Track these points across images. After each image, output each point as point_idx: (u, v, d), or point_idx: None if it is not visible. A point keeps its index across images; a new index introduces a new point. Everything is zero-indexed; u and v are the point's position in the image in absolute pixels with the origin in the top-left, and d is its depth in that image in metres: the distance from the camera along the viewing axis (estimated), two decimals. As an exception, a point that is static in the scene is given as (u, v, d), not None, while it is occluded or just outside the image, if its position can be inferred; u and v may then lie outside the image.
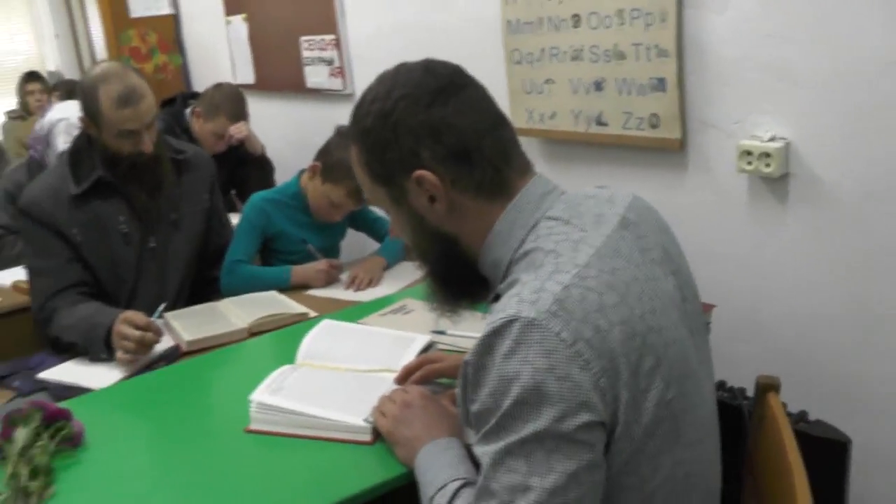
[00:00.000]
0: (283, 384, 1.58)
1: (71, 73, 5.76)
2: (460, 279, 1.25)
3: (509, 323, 1.01)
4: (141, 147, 2.23)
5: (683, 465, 1.12)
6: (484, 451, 1.04)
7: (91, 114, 2.23)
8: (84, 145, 2.31)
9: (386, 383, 1.57)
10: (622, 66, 2.25)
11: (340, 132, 2.52)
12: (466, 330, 1.75)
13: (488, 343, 1.03)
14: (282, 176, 3.48)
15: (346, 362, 1.69)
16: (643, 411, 1.04)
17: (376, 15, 3.20)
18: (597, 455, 1.02)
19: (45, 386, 1.95)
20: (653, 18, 2.15)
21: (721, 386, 2.13)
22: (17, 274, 2.99)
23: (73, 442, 1.53)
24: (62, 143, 3.08)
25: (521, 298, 1.03)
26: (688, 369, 1.12)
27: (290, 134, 3.84)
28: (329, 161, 2.47)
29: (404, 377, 1.58)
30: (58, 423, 1.53)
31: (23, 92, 5.08)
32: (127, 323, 1.98)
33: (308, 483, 1.36)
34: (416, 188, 1.16)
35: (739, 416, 2.02)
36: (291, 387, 1.57)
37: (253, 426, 1.52)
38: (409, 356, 1.68)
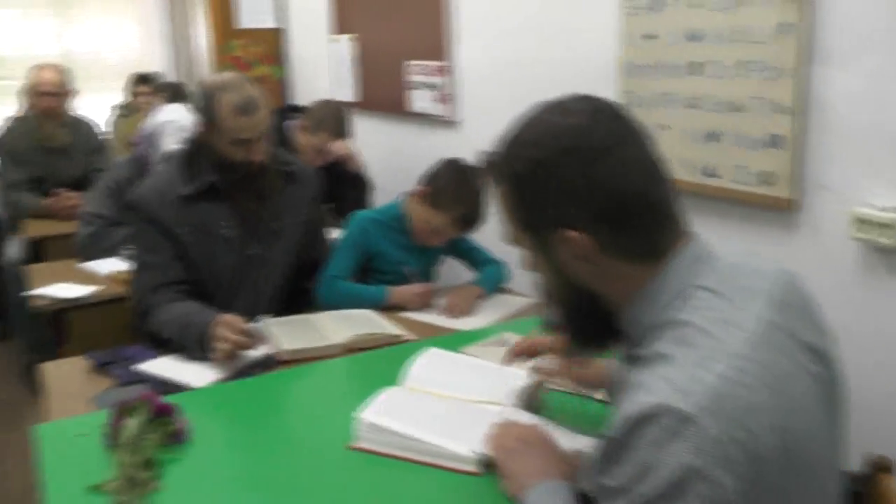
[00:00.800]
0: (391, 406, 1.58)
1: (172, 76, 5.93)
2: (594, 330, 1.21)
3: (661, 411, 0.96)
4: (252, 156, 2.28)
5: None
6: None
7: (208, 119, 2.28)
8: (196, 149, 2.36)
9: (491, 415, 1.56)
10: (738, 118, 2.22)
11: (449, 161, 2.54)
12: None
13: (635, 426, 0.98)
14: (377, 196, 3.53)
15: (452, 390, 1.69)
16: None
17: (490, 45, 3.22)
18: None
19: (144, 378, 1.99)
20: (774, 73, 2.12)
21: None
22: (115, 265, 3.09)
23: (178, 438, 1.56)
24: (168, 143, 3.17)
25: (674, 386, 0.98)
26: (827, 469, 1.09)
27: (388, 154, 3.89)
28: (436, 187, 2.49)
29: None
30: (164, 418, 1.56)
31: (133, 92, 5.24)
32: (225, 325, 2.01)
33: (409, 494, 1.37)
34: (562, 244, 1.10)
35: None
36: (399, 409, 1.58)
37: (359, 444, 1.52)
38: (515, 391, 1.68)
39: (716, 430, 0.94)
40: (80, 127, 4.42)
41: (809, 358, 1.10)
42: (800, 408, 1.03)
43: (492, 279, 2.62)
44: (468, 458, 1.43)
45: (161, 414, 1.56)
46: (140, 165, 3.29)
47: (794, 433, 1.01)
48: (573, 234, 1.08)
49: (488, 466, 1.42)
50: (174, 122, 3.20)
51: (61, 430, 1.68)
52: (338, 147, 3.37)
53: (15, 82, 5.31)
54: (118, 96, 5.47)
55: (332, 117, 3.41)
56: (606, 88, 2.60)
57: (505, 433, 1.44)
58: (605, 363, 1.59)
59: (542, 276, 1.20)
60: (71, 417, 1.76)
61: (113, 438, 1.53)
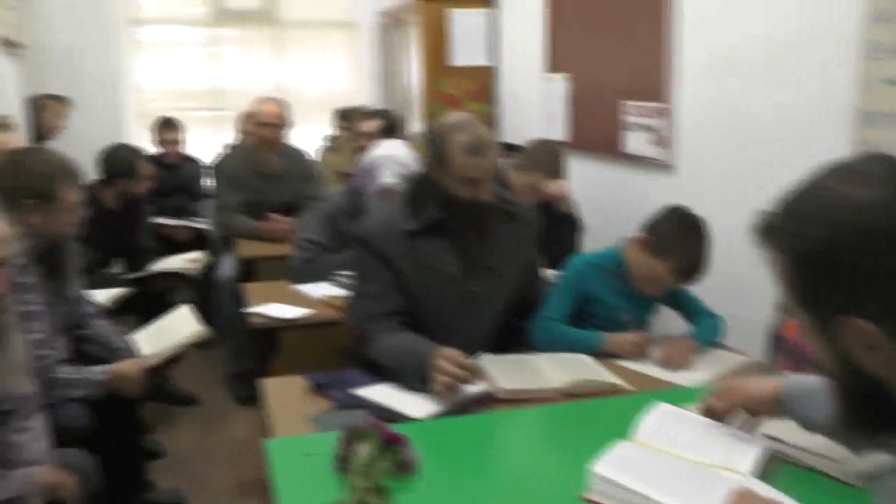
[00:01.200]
0: (625, 460, 1.52)
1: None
2: (878, 420, 1.06)
3: None
4: (479, 195, 2.30)
5: None
6: None
7: (438, 158, 2.31)
8: (423, 185, 2.40)
9: (726, 482, 1.47)
10: None
11: (673, 209, 2.46)
12: (806, 442, 1.63)
13: None
14: (587, 237, 3.47)
15: (684, 450, 1.60)
16: None
17: (714, 87, 3.11)
18: None
19: (362, 403, 2.01)
20: None
21: None
22: (328, 289, 3.19)
23: (407, 469, 1.55)
24: (386, 177, 3.25)
25: None
26: None
27: (598, 196, 3.83)
28: (658, 236, 2.40)
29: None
30: (394, 448, 1.56)
31: (338, 126, 5.47)
32: (446, 358, 2.01)
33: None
34: (846, 331, 0.97)
35: None
36: (633, 465, 1.51)
37: (592, 496, 1.46)
38: (749, 459, 1.59)
39: None
40: (293, 156, 4.64)
41: None
42: None
43: (708, 333, 2.50)
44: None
45: (391, 443, 1.56)
46: (356, 197, 3.40)
47: None
48: (861, 323, 0.94)
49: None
50: (393, 157, 3.28)
51: (290, 448, 1.73)
52: (552, 186, 3.34)
53: (232, 112, 5.72)
54: (327, 129, 5.72)
55: (548, 157, 3.39)
56: (838, 137, 2.45)
57: (744, 501, 1.35)
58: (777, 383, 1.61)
59: (821, 354, 1.06)
60: (298, 436, 1.81)
61: (343, 462, 1.54)
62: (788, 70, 2.71)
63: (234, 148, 5.24)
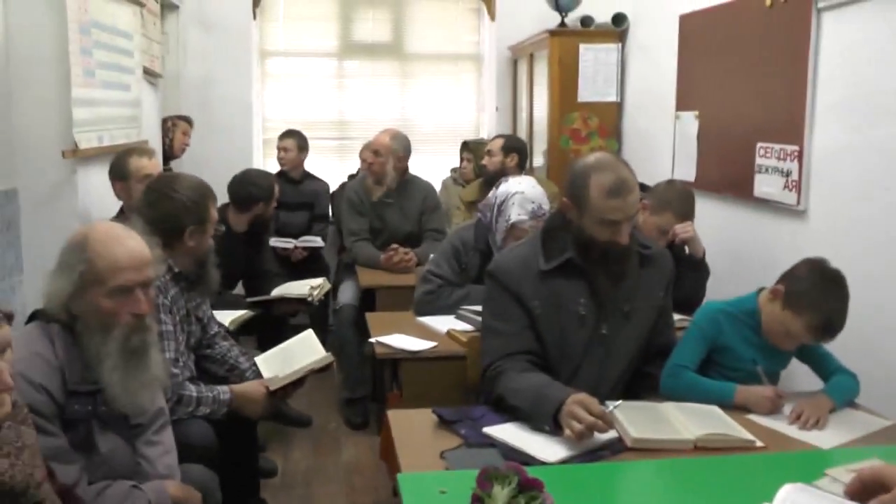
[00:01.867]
0: None
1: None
2: None
3: None
4: (618, 238, 2.28)
5: None
6: None
7: (577, 198, 2.31)
8: (559, 225, 2.40)
9: None
10: None
11: (812, 261, 2.39)
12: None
13: None
14: (713, 281, 3.40)
15: None
16: None
17: (850, 129, 3.02)
18: None
19: (492, 442, 2.02)
20: None
21: None
22: (452, 323, 3.21)
23: (543, 514, 1.55)
24: (515, 214, 3.25)
25: None
26: None
27: (726, 240, 3.76)
28: (794, 288, 2.34)
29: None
30: (532, 492, 1.56)
31: (464, 158, 5.54)
32: (581, 405, 1.99)
33: None
34: None
35: None
36: None
37: None
38: None
39: None
40: (415, 187, 4.70)
41: None
42: None
43: (843, 391, 2.40)
44: None
45: (528, 487, 1.56)
46: (483, 231, 3.43)
47: None
48: None
49: None
50: (522, 193, 3.29)
51: (422, 484, 1.75)
52: (682, 229, 3.30)
53: (357, 142, 5.87)
54: (452, 161, 5.80)
55: (678, 198, 3.35)
56: None
57: None
58: None
59: None
60: (430, 472, 1.83)
61: (480, 502, 1.55)
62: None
63: (355, 176, 5.38)
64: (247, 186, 4.35)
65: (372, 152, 4.57)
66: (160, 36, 5.19)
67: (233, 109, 5.88)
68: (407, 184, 4.68)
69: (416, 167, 4.90)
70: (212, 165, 5.04)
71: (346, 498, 3.59)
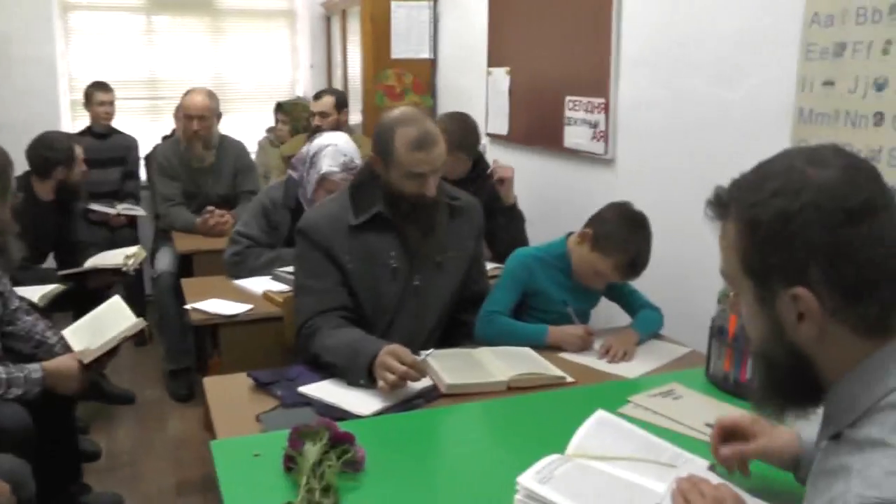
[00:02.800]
0: (553, 474, 1.49)
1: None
2: (797, 394, 1.15)
3: None
4: (424, 190, 2.29)
5: None
6: None
7: (383, 152, 2.30)
8: (367, 180, 2.39)
9: (657, 498, 1.44)
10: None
11: (617, 205, 2.49)
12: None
13: None
14: (529, 231, 3.50)
15: (619, 467, 1.57)
16: None
17: (652, 82, 3.16)
18: None
19: (308, 401, 1.99)
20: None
21: None
22: (268, 284, 3.15)
23: (356, 467, 1.55)
24: (326, 165, 3.22)
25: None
26: None
27: (539, 190, 3.86)
28: (601, 231, 2.43)
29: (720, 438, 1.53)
30: (344, 446, 1.55)
31: (278, 120, 5.44)
32: (393, 356, 2.00)
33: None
34: (788, 301, 1.05)
35: None
36: (561, 479, 1.48)
37: None
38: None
39: None
40: (228, 148, 4.56)
41: None
42: None
43: (649, 325, 2.55)
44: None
45: (340, 441, 1.55)
46: (293, 188, 3.37)
47: None
48: (804, 292, 1.03)
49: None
50: (335, 146, 3.26)
51: (235, 448, 1.71)
52: (504, 169, 3.38)
53: (168, 102, 5.63)
54: (268, 120, 5.66)
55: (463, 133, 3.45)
56: (776, 135, 2.51)
57: (693, 488, 1.34)
58: (791, 437, 1.50)
59: (755, 330, 1.15)
60: (244, 437, 1.78)
61: (292, 462, 1.53)
62: (730, 68, 2.75)
63: (168, 139, 5.16)
64: (42, 151, 4.07)
65: (197, 118, 4.37)
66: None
67: (33, 69, 5.48)
68: (219, 146, 4.53)
69: (231, 128, 4.74)
70: (13, 130, 4.63)
71: (173, 473, 3.48)
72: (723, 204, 1.14)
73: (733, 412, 1.83)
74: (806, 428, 1.36)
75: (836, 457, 1.03)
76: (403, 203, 2.32)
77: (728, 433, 1.55)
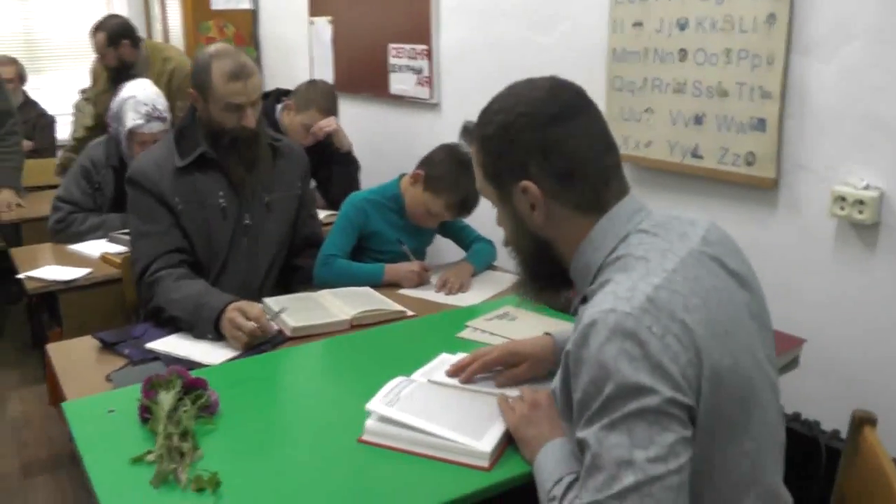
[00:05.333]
0: (399, 395, 1.59)
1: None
2: (547, 275, 1.41)
3: (604, 315, 1.13)
4: (244, 122, 2.37)
5: (748, 457, 1.21)
6: (589, 433, 1.13)
7: (201, 87, 2.37)
8: (189, 123, 2.45)
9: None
10: (724, 103, 2.33)
11: (446, 147, 2.62)
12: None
13: (585, 334, 1.14)
14: (363, 176, 3.59)
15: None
16: (720, 404, 1.15)
17: (472, 29, 3.29)
18: (689, 431, 1.12)
19: (157, 356, 2.03)
20: (759, 61, 2.23)
21: (796, 418, 2.21)
22: (104, 247, 3.11)
23: (210, 410, 1.62)
24: (130, 119, 3.18)
25: (616, 295, 1.15)
26: (759, 372, 1.24)
27: (368, 136, 3.94)
28: (432, 172, 2.56)
29: (458, 370, 1.71)
30: (197, 391, 1.62)
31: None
32: (240, 312, 2.06)
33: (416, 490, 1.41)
34: (520, 195, 1.31)
35: (815, 447, 2.09)
36: (407, 399, 1.58)
37: (367, 437, 1.53)
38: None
39: (653, 325, 1.12)
40: None
41: (737, 283, 1.28)
42: (730, 317, 1.21)
43: (482, 257, 2.71)
44: (482, 453, 1.44)
45: (193, 387, 1.62)
46: (113, 145, 3.31)
47: (724, 333, 1.17)
48: (528, 183, 1.29)
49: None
50: (134, 97, 3.20)
51: (88, 407, 1.72)
52: (326, 122, 3.42)
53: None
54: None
55: (321, 95, 3.46)
56: (592, 73, 2.70)
57: (517, 401, 1.53)
58: (546, 340, 1.73)
59: (506, 228, 1.40)
60: (96, 395, 1.80)
61: (147, 412, 1.58)
62: (546, 13, 2.92)
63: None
64: None
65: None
66: None
67: None
68: None
69: (44, 89, 4.48)
70: None
71: (18, 456, 3.38)
72: (469, 132, 1.42)
73: (567, 327, 2.01)
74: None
75: (582, 311, 1.23)
76: (224, 137, 2.38)
77: (494, 367, 1.74)
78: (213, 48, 2.43)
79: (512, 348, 1.74)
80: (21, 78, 4.99)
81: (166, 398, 1.56)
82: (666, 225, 1.29)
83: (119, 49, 4.37)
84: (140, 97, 3.20)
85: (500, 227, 1.42)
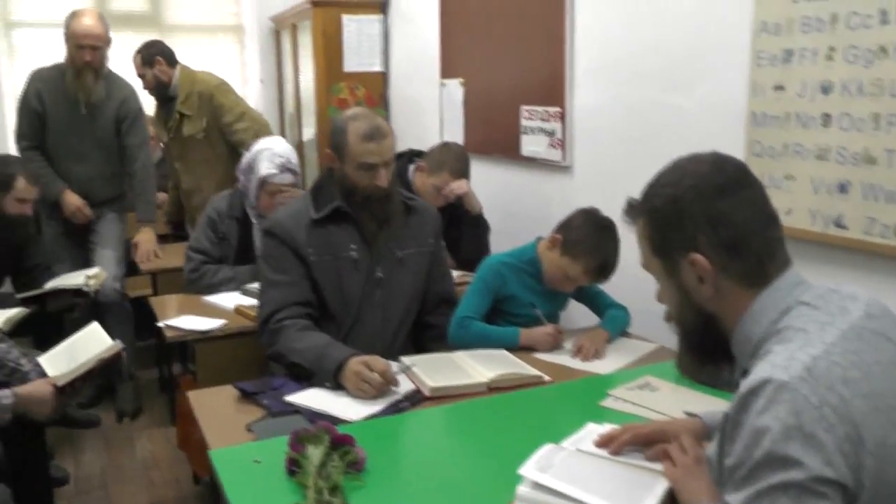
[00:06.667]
0: (553, 462, 1.56)
1: (270, 115, 6.10)
2: (710, 350, 1.40)
3: (763, 384, 1.14)
4: (377, 181, 2.44)
5: None
6: (735, 498, 1.14)
7: (337, 147, 2.47)
8: (326, 178, 2.55)
9: (660, 481, 1.51)
10: (871, 171, 2.21)
11: (585, 211, 2.59)
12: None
13: (744, 401, 1.16)
14: (491, 238, 3.58)
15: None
16: (888, 481, 1.12)
17: (606, 91, 3.26)
18: None
19: (296, 409, 2.04)
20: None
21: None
22: (238, 299, 3.18)
23: (357, 467, 1.61)
24: (265, 168, 3.29)
25: (773, 364, 1.16)
26: None
27: (498, 197, 3.95)
28: (571, 237, 2.53)
29: (608, 441, 1.67)
30: (344, 448, 1.61)
31: None
32: (365, 365, 2.09)
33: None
34: (688, 268, 1.33)
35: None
36: (561, 466, 1.55)
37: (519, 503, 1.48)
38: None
39: (811, 395, 1.11)
40: (114, 86, 4.24)
41: None
42: (893, 392, 1.17)
43: (617, 323, 2.65)
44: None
45: (340, 444, 1.61)
46: (238, 199, 3.44)
47: (889, 409, 1.14)
48: (697, 256, 1.30)
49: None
50: (270, 149, 3.34)
51: (235, 456, 1.75)
52: (458, 185, 3.44)
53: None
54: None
55: (453, 158, 3.49)
56: (731, 137, 2.63)
57: (677, 452, 1.52)
58: (695, 421, 1.68)
59: (671, 301, 1.41)
60: (241, 445, 1.82)
61: (295, 465, 1.58)
62: (683, 75, 2.87)
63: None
64: None
65: (90, 49, 4.01)
66: None
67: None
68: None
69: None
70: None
71: (146, 495, 3.46)
72: (633, 207, 1.44)
73: (708, 401, 1.94)
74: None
75: (742, 384, 1.21)
76: (358, 194, 2.46)
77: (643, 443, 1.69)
78: (350, 111, 2.53)
79: (664, 426, 1.71)
80: (159, 136, 5.24)
81: (315, 453, 1.56)
82: (826, 298, 1.29)
83: (154, 67, 4.55)
84: (276, 150, 3.34)
85: (660, 302, 1.43)
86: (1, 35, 5.60)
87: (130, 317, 4.27)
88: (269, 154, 3.32)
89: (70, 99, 4.10)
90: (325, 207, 2.48)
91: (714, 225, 1.30)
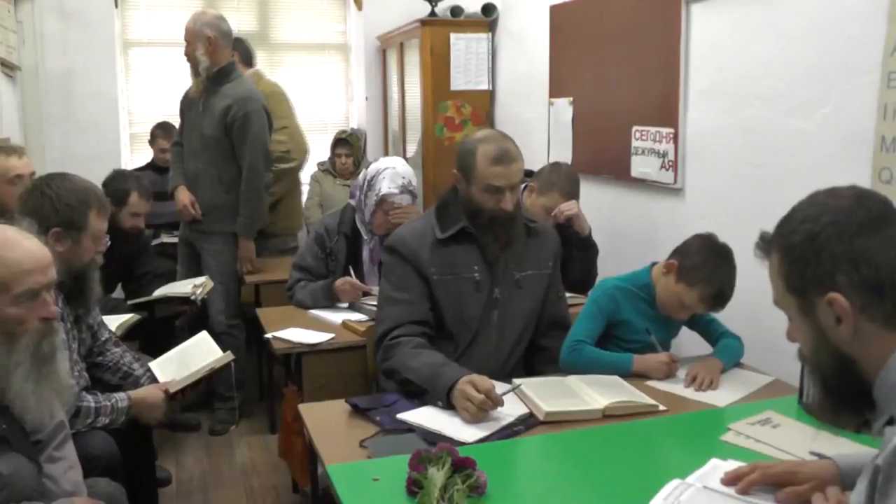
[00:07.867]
0: (679, 500, 1.53)
1: (374, 132, 6.20)
2: (849, 394, 1.31)
3: None
4: (503, 204, 2.42)
5: None
6: None
7: (464, 168, 2.46)
8: (451, 199, 2.55)
9: None
10: None
11: (702, 237, 2.53)
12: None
13: None
14: (599, 260, 3.53)
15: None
16: None
17: (722, 112, 3.19)
18: None
19: (409, 427, 2.04)
20: None
21: None
22: (346, 314, 3.23)
23: (479, 490, 1.59)
24: (385, 187, 3.32)
25: None
26: None
27: (607, 219, 3.90)
28: (687, 263, 2.47)
29: (736, 479, 1.62)
30: (466, 471, 1.60)
31: (339, 154, 5.53)
32: (471, 384, 2.08)
33: None
34: (825, 307, 1.25)
35: None
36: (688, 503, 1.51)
37: None
38: None
39: None
40: (229, 85, 4.15)
41: None
42: None
43: (731, 353, 2.58)
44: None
45: (461, 466, 1.60)
46: (350, 215, 3.48)
47: None
48: (836, 296, 1.23)
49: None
50: (393, 168, 3.38)
51: (353, 473, 1.76)
52: (568, 206, 3.41)
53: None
54: (322, 152, 5.74)
55: (563, 179, 3.47)
56: (856, 163, 2.53)
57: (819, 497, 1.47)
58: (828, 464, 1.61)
59: (806, 343, 1.33)
60: (359, 462, 1.84)
61: (416, 485, 1.58)
62: (803, 97, 2.78)
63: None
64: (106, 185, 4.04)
65: (186, 43, 4.08)
66: (14, 24, 4.89)
67: (98, 104, 5.59)
68: (214, 77, 4.13)
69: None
70: (78, 164, 4.72)
71: (245, 501, 3.52)
72: (766, 241, 1.37)
73: (835, 441, 1.86)
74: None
75: (890, 432, 1.16)
76: (483, 216, 2.45)
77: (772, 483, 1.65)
78: (480, 133, 2.53)
79: (795, 467, 1.66)
80: None
81: (437, 475, 1.55)
82: None
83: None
84: (399, 170, 3.37)
85: (792, 341, 1.36)
86: (119, 54, 5.81)
87: (240, 344, 4.28)
88: (392, 174, 3.36)
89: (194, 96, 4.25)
90: (451, 228, 2.48)
91: (855, 264, 1.23)
